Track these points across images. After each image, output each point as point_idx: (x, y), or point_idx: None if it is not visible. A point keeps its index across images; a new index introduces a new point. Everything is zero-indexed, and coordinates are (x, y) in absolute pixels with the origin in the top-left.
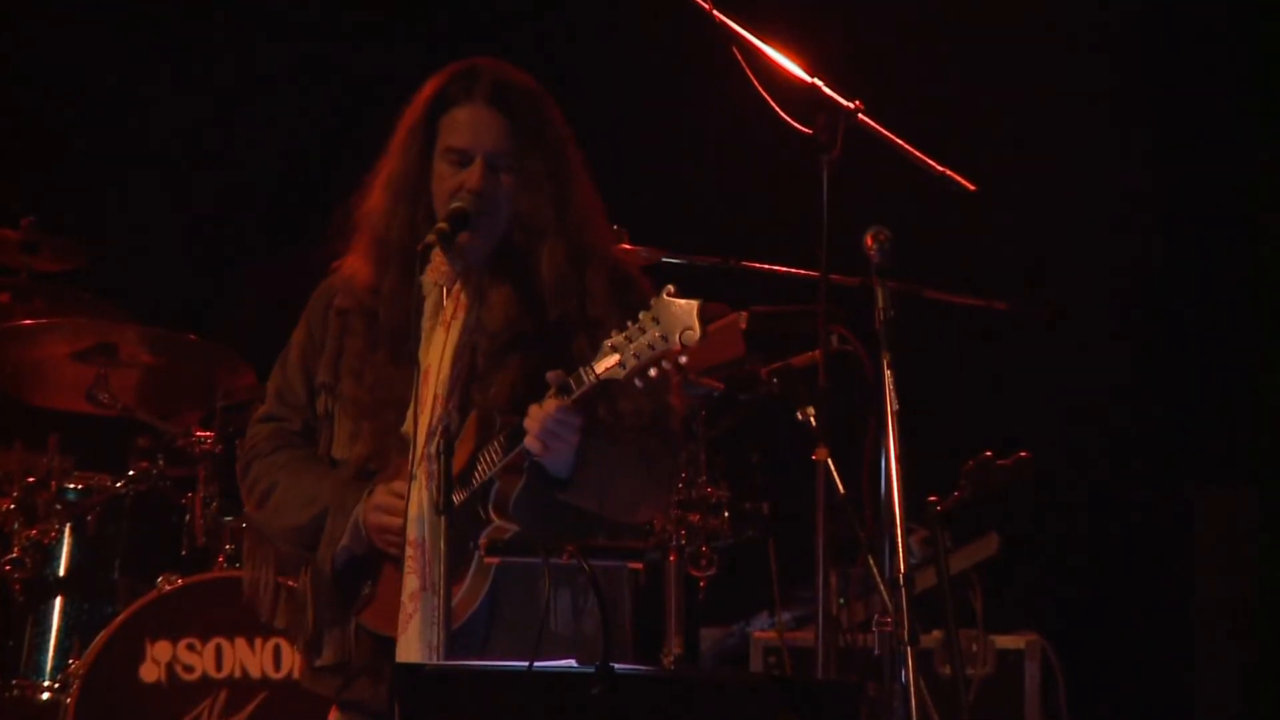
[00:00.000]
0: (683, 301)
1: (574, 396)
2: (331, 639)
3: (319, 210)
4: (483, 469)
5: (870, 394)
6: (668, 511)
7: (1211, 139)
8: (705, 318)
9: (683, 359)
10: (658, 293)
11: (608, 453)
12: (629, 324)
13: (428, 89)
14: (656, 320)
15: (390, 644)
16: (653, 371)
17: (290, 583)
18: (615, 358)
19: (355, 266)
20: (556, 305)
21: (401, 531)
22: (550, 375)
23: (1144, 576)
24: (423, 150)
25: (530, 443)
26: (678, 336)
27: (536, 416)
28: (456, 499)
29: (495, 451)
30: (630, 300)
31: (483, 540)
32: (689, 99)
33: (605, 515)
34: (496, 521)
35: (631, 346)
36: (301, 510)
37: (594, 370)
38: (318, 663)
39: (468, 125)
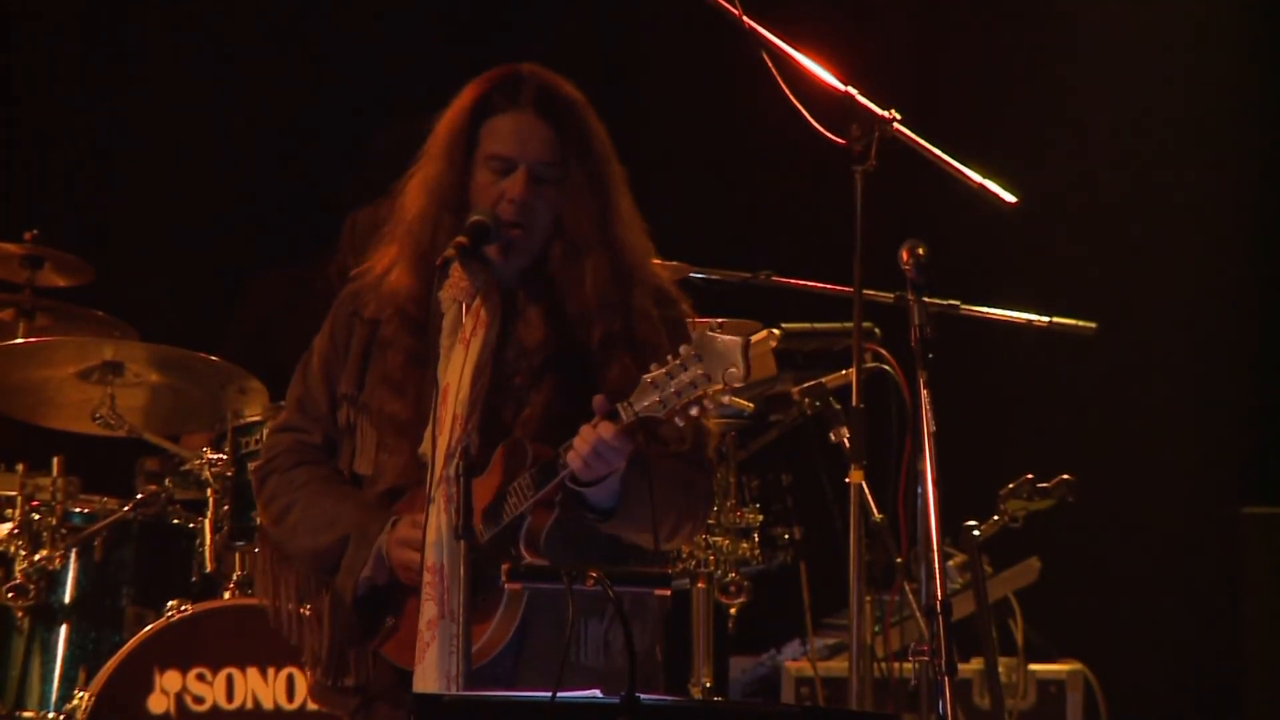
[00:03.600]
0: (727, 338)
1: (620, 427)
2: (350, 663)
3: (330, 223)
4: (513, 503)
5: (906, 414)
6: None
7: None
8: (750, 356)
9: (725, 399)
10: (701, 326)
11: (650, 483)
12: (669, 359)
13: (469, 94)
14: (699, 357)
15: (407, 680)
16: (694, 410)
17: (304, 610)
18: (655, 395)
19: (395, 276)
20: (600, 324)
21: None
22: (596, 401)
23: (1190, 602)
24: (464, 157)
25: (572, 458)
26: (721, 375)
27: (588, 437)
28: (484, 535)
29: (526, 486)
30: (677, 322)
31: (504, 565)
32: (718, 108)
33: (645, 545)
34: (528, 559)
35: (672, 384)
36: (320, 533)
37: (633, 407)
38: (327, 682)
39: (511, 133)
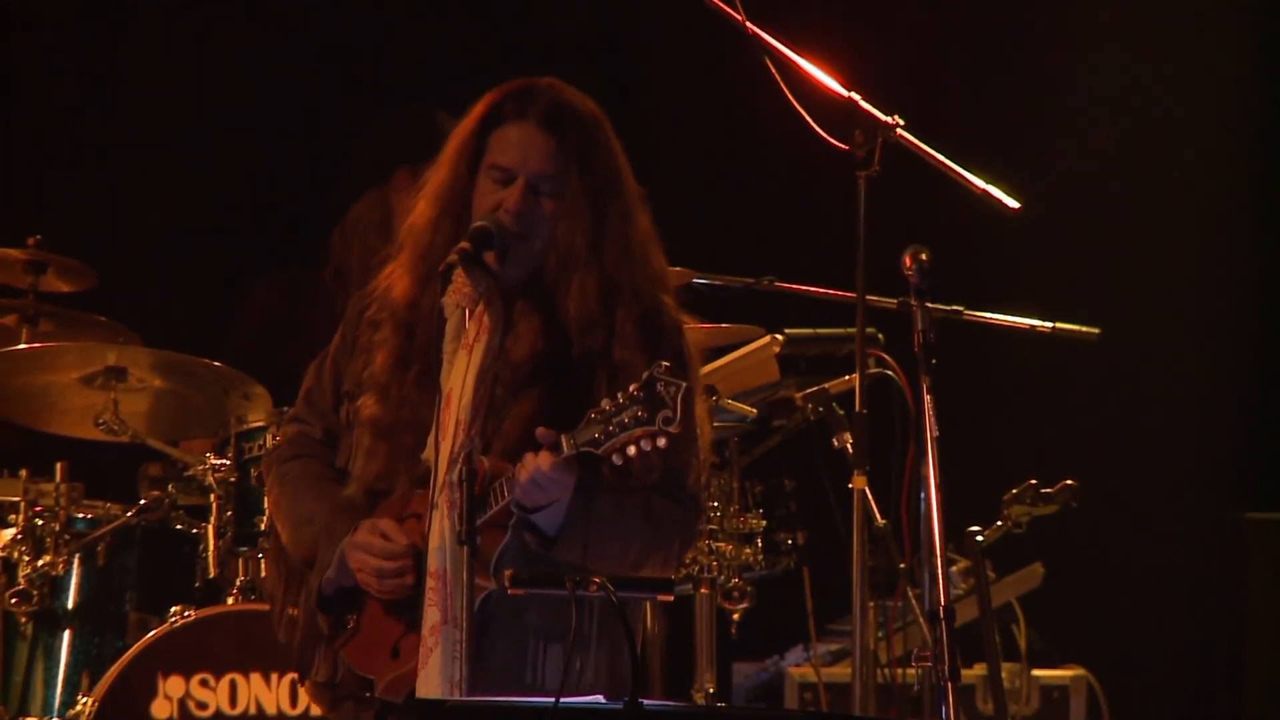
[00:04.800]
0: (671, 381)
1: (563, 456)
2: (319, 658)
3: (332, 228)
4: (497, 495)
5: (909, 420)
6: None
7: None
8: (690, 402)
9: (661, 442)
10: (653, 367)
11: (602, 511)
12: (619, 395)
13: (482, 104)
14: (641, 397)
15: (368, 683)
16: (631, 450)
17: (292, 610)
18: (596, 431)
19: (395, 278)
20: (580, 342)
21: (377, 573)
22: (539, 433)
23: (1194, 608)
24: (470, 165)
25: (512, 485)
26: (657, 419)
27: (528, 465)
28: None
29: (509, 484)
30: (659, 349)
31: (507, 572)
32: (722, 113)
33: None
34: (480, 582)
35: (613, 421)
36: (299, 529)
37: (574, 440)
38: (311, 678)
39: (515, 144)
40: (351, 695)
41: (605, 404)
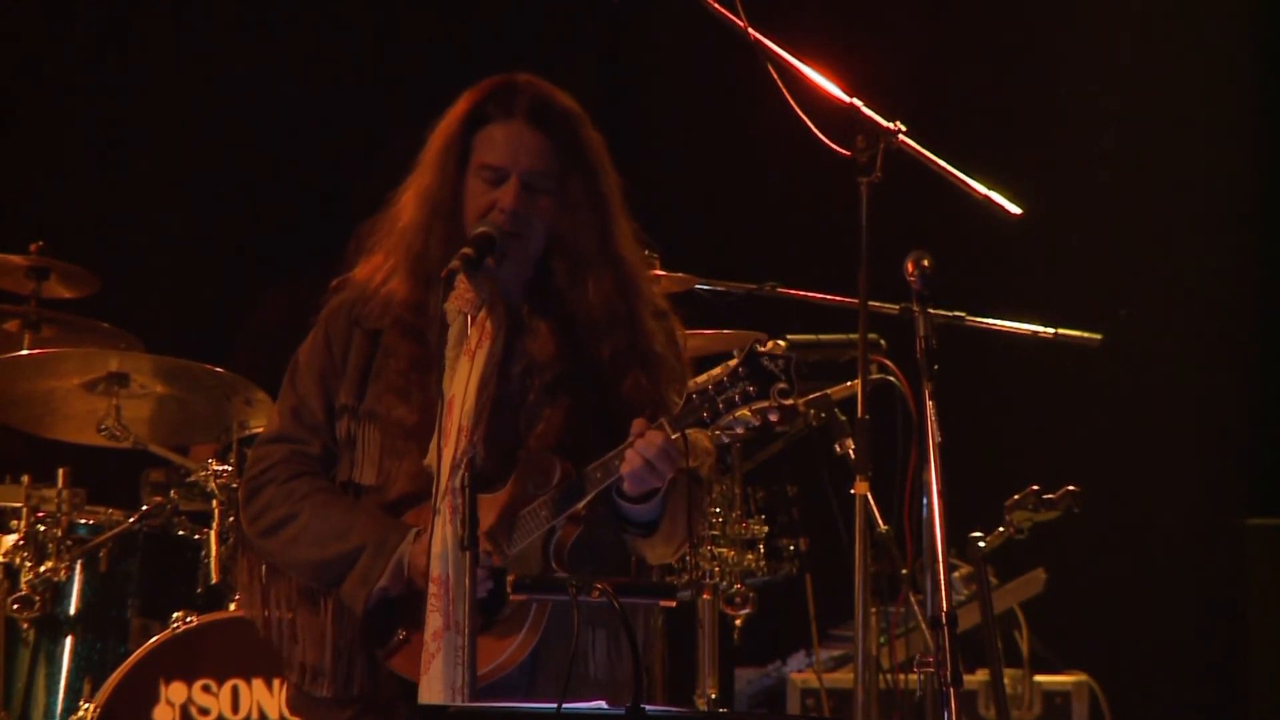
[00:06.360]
0: (776, 354)
1: (673, 436)
2: (355, 673)
3: (337, 236)
4: (528, 528)
5: (911, 425)
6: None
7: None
8: (796, 372)
9: (773, 417)
10: (748, 342)
11: (677, 499)
12: (710, 375)
13: (463, 103)
14: (745, 374)
15: (410, 689)
16: (740, 429)
17: (288, 614)
18: (704, 411)
19: (393, 285)
20: (609, 340)
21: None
22: (637, 424)
23: (1196, 613)
24: (457, 167)
25: (626, 469)
26: (772, 391)
27: (640, 449)
28: (509, 552)
29: (544, 510)
30: (675, 338)
31: (510, 576)
32: (724, 120)
33: (656, 561)
34: (558, 571)
35: (719, 399)
36: (328, 545)
37: (678, 423)
38: (323, 693)
39: (504, 142)
40: (381, 707)
41: (701, 385)
